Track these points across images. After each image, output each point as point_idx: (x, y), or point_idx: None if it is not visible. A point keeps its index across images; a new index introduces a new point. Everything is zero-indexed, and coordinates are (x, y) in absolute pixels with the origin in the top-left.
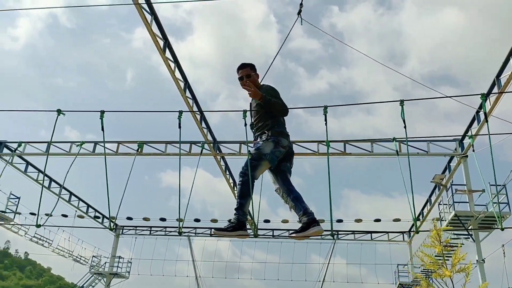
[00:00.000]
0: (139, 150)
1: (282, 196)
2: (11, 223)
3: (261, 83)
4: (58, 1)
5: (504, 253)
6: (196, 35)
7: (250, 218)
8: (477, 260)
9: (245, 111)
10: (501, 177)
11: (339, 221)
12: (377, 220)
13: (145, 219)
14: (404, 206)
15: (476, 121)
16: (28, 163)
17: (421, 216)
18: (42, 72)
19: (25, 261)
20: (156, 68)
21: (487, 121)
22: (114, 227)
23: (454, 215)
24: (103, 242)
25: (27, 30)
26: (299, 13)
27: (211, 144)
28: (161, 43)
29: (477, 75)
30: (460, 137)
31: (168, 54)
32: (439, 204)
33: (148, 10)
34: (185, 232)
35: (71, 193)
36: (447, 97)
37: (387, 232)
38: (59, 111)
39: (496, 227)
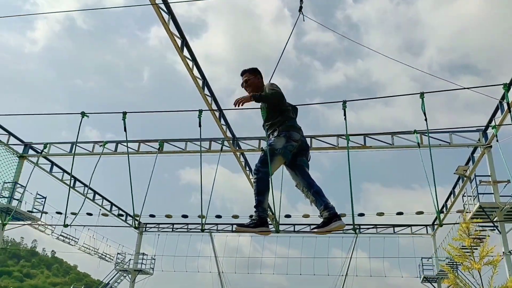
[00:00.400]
0: (160, 149)
1: (302, 190)
2: (39, 222)
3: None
4: (73, 3)
5: None
6: (211, 32)
7: (271, 214)
8: (503, 252)
9: (262, 108)
10: None
11: (361, 215)
12: (400, 213)
13: (168, 216)
14: (426, 199)
15: (499, 111)
16: (53, 164)
17: (444, 208)
18: (61, 74)
19: (52, 259)
20: (172, 66)
21: (510, 111)
22: (138, 225)
23: (479, 207)
24: (126, 239)
25: (45, 32)
26: (300, 10)
27: (230, 141)
28: (179, 42)
29: (497, 63)
30: (483, 128)
31: (185, 52)
32: (463, 196)
33: (165, 9)
34: (206, 229)
35: (95, 192)
36: (468, 88)
37: (410, 225)
38: (83, 114)
39: None
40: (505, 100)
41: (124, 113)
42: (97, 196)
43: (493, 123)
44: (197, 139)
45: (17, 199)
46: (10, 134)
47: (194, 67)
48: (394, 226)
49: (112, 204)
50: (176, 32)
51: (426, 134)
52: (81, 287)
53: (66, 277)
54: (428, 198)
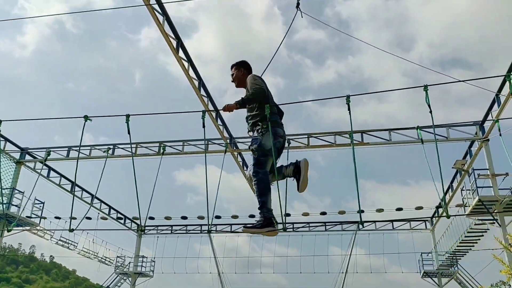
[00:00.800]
0: (162, 152)
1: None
2: (37, 227)
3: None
4: (62, 6)
5: None
6: (201, 32)
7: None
8: (503, 245)
9: (269, 107)
10: None
11: (361, 211)
12: (399, 209)
13: (167, 218)
14: (422, 194)
15: (496, 104)
16: (50, 168)
17: (443, 202)
18: (53, 78)
19: (50, 264)
20: (164, 68)
21: None
22: (144, 228)
23: (478, 200)
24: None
25: (34, 37)
26: (297, 6)
27: (228, 141)
28: (174, 43)
29: (488, 56)
30: (480, 121)
31: (181, 53)
32: (462, 190)
33: (159, 10)
34: (212, 230)
35: (93, 196)
36: (466, 81)
37: (409, 220)
38: (86, 118)
39: None
40: (509, 91)
41: (128, 116)
42: (95, 200)
43: (490, 117)
44: (194, 140)
45: (15, 205)
46: (6, 140)
47: (190, 68)
48: (393, 221)
49: (110, 207)
50: (171, 33)
51: (425, 130)
52: None
53: (66, 281)
54: (424, 193)
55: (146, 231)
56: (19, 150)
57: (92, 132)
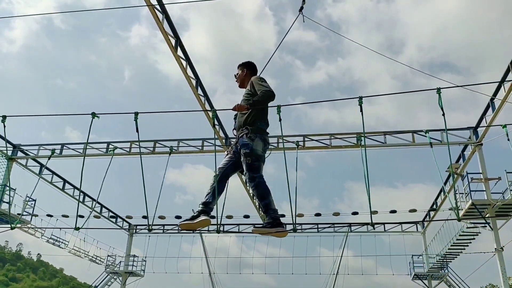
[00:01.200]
0: (169, 152)
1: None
2: (28, 225)
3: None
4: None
5: None
6: (193, 31)
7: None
8: (495, 248)
9: (279, 106)
10: None
11: (355, 213)
12: (393, 212)
13: (161, 217)
14: (409, 196)
15: (490, 108)
16: (42, 165)
17: (435, 206)
18: (41, 73)
19: (37, 262)
20: (153, 66)
21: None
22: (150, 228)
23: (471, 204)
24: (115, 242)
25: (23, 32)
26: (300, 10)
27: (223, 140)
28: (173, 41)
29: (477, 60)
30: (473, 126)
31: (179, 52)
32: (455, 193)
33: (159, 9)
34: (221, 230)
35: (85, 194)
36: (470, 85)
37: (401, 223)
38: (93, 115)
39: None
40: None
41: (136, 114)
42: (87, 198)
43: (483, 121)
44: (187, 139)
45: (7, 202)
46: None
47: (188, 67)
48: (385, 223)
49: (102, 206)
50: (170, 32)
51: (423, 134)
52: None
53: (53, 280)
54: (412, 196)
55: (137, 230)
56: (11, 146)
57: (81, 130)
